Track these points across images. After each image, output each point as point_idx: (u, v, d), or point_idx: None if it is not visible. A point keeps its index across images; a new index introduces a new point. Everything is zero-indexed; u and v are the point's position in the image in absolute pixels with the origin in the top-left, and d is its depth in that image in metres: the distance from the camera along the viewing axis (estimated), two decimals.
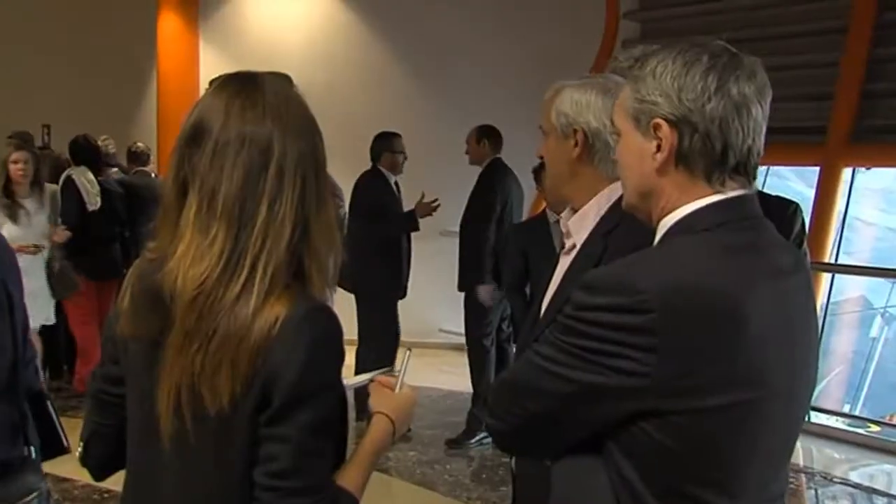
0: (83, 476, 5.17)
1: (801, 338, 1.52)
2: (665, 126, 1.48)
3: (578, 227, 2.19)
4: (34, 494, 2.43)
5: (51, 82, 11.52)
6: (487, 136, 6.18)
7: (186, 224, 1.51)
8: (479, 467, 5.85)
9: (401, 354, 1.97)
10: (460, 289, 6.25)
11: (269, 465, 1.45)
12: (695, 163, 1.48)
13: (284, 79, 1.66)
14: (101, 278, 6.90)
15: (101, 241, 6.96)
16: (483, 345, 6.14)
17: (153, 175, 7.83)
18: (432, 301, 6.63)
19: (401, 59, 9.33)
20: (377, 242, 6.21)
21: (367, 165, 6.47)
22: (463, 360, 6.57)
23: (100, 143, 7.63)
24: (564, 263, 2.22)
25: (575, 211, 2.22)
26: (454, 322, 7.49)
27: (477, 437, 6.09)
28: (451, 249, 6.47)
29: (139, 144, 7.83)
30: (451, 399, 7.13)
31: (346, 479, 1.56)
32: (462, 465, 5.87)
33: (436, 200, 6.28)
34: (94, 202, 6.88)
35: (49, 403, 2.59)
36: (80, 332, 6.94)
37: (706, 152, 1.47)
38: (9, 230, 5.61)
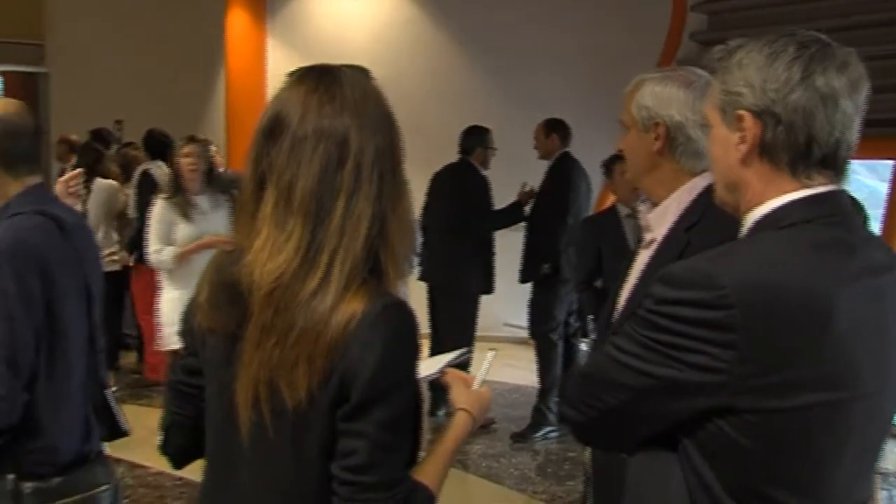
0: (157, 463, 5.29)
1: (893, 337, 1.48)
2: (748, 117, 1.46)
3: (658, 221, 2.18)
4: (105, 487, 2.50)
5: (122, 78, 11.76)
6: (556, 130, 6.16)
7: (264, 218, 1.51)
8: (545, 461, 5.84)
9: (478, 353, 1.95)
10: (522, 281, 6.24)
11: (346, 460, 1.46)
12: (778, 155, 1.46)
13: (362, 72, 1.65)
14: None
15: None
16: (550, 339, 6.13)
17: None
18: (497, 295, 6.62)
19: (465, 55, 9.34)
20: (471, 238, 6.20)
21: (432, 161, 6.47)
22: (527, 355, 6.56)
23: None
24: (643, 258, 2.21)
25: (654, 205, 2.21)
26: (519, 316, 7.48)
27: (542, 432, 6.08)
28: (516, 244, 6.48)
29: (201, 137, 7.86)
30: (517, 393, 7.14)
31: (425, 473, 1.56)
32: (527, 458, 5.88)
33: (532, 188, 6.30)
34: None
35: (107, 392, 2.67)
36: (147, 321, 7.05)
37: (789, 144, 1.45)
38: (182, 230, 5.34)
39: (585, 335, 6.44)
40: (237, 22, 9.55)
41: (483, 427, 6.16)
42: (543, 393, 6.13)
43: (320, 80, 1.54)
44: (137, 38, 11.75)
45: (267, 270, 1.47)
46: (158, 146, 7.14)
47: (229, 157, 9.16)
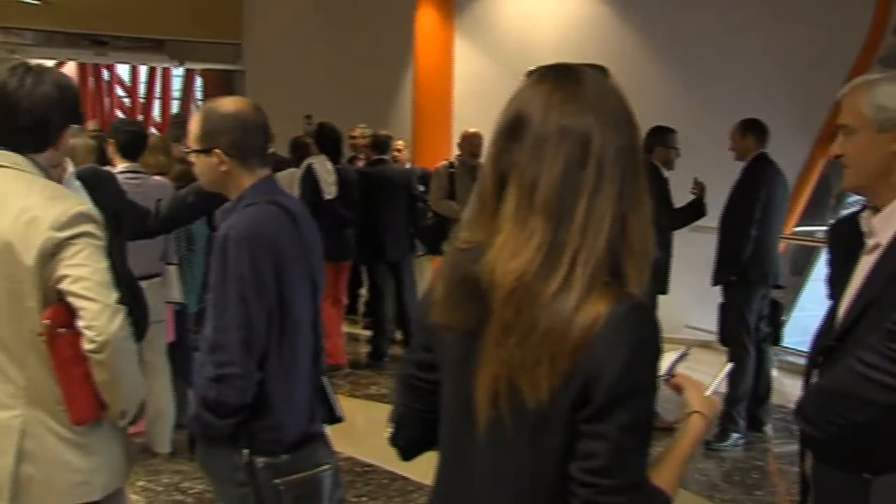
0: (346, 448, 5.42)
1: None
2: None
3: (883, 225, 2.12)
4: (327, 467, 2.61)
5: (312, 75, 12.20)
6: (752, 130, 5.99)
7: (505, 217, 1.51)
8: (732, 469, 5.70)
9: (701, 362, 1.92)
10: (715, 283, 6.12)
11: (587, 462, 1.43)
12: None
13: (602, 71, 1.65)
14: (336, 259, 7.20)
15: (336, 226, 7.15)
16: (743, 344, 5.97)
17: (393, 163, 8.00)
18: (678, 296, 6.48)
19: (654, 54, 9.18)
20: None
21: None
22: (708, 358, 6.40)
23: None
24: (866, 263, 2.15)
25: (878, 209, 2.15)
26: (701, 319, 7.34)
27: (731, 439, 5.92)
28: (703, 245, 6.35)
29: (383, 133, 8.03)
30: None
31: (661, 477, 1.52)
32: (713, 465, 5.74)
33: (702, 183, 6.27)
34: (330, 192, 7.07)
35: (324, 377, 2.78)
36: (323, 308, 7.30)
37: None
38: None
39: (777, 341, 6.25)
40: (426, 20, 9.74)
41: (667, 430, 6.06)
42: (733, 399, 5.98)
43: (562, 78, 1.54)
44: (328, 35, 12.16)
45: (509, 269, 1.47)
46: (327, 140, 7.29)
47: (416, 153, 9.38)
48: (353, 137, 8.80)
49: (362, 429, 6.05)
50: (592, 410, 1.42)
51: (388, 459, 5.27)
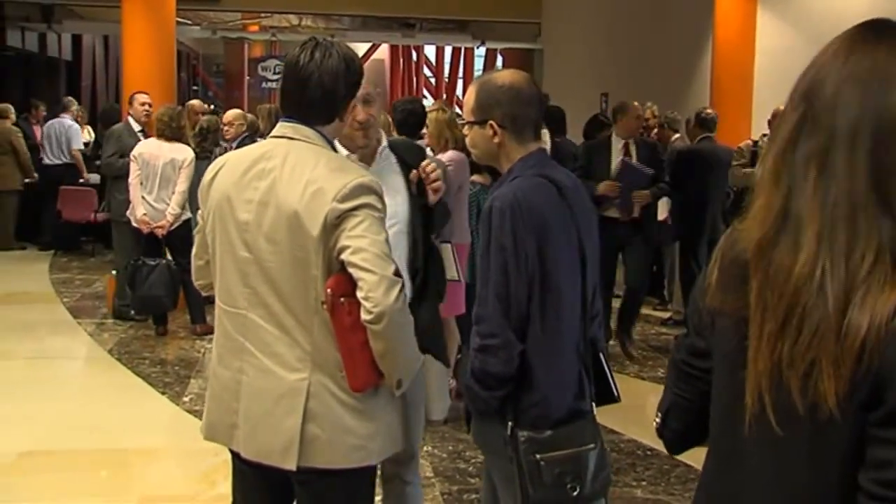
0: (628, 430, 5.32)
1: None
2: None
3: None
4: (592, 447, 2.55)
5: (610, 53, 12.11)
6: None
7: (756, 181, 1.40)
8: None
9: None
10: None
11: (879, 472, 1.24)
12: None
13: None
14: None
15: None
16: None
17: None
18: None
19: None
20: None
21: None
22: None
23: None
24: None
25: None
26: None
27: None
28: None
29: (708, 111, 7.85)
30: None
31: None
32: None
33: None
34: None
35: (602, 355, 2.74)
36: None
37: None
38: None
39: None
40: None
41: None
42: None
43: (853, 32, 1.35)
44: (624, 13, 12.02)
45: (743, 226, 1.38)
46: (550, 118, 7.25)
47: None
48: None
49: (649, 412, 5.89)
50: (883, 414, 1.24)
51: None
